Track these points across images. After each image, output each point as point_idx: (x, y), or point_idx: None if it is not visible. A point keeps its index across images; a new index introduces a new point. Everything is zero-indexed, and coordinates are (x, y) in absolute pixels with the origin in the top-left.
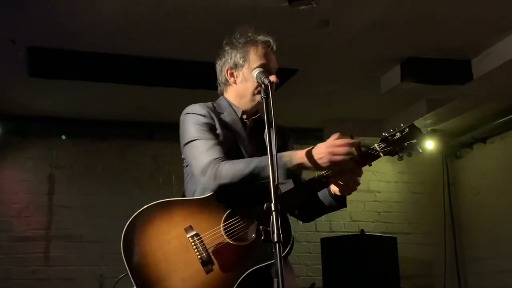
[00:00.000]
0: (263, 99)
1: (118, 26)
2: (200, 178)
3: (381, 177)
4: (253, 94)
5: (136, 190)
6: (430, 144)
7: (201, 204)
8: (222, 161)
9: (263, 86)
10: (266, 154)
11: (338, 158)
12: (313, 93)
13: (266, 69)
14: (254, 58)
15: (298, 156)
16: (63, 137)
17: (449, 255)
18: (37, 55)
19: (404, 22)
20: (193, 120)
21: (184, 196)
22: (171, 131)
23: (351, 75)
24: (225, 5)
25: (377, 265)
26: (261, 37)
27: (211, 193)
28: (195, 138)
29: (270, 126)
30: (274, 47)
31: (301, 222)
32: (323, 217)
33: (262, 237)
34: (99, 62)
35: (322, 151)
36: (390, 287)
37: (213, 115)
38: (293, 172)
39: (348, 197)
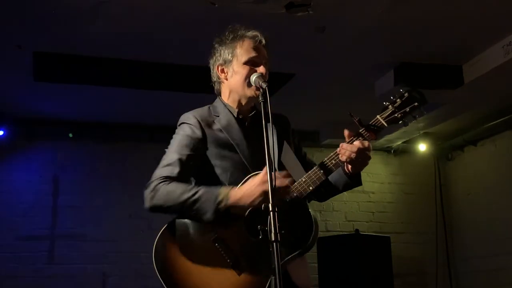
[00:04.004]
0: (261, 102)
1: (121, 32)
2: (144, 189)
3: (375, 178)
4: (244, 87)
5: (138, 191)
6: (422, 147)
7: None
8: (168, 182)
9: (261, 90)
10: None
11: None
12: (309, 97)
13: (254, 62)
14: (242, 52)
15: (232, 198)
16: (70, 135)
17: (440, 254)
18: (43, 60)
19: (397, 29)
20: (180, 130)
21: None
22: (171, 133)
23: (346, 79)
24: (224, 12)
25: (371, 263)
26: (249, 33)
27: None
28: (168, 148)
29: (267, 129)
30: (263, 41)
31: None
32: (319, 217)
33: (260, 237)
34: (103, 67)
35: (252, 189)
36: (384, 285)
37: (203, 124)
38: (224, 212)
39: (343, 198)
